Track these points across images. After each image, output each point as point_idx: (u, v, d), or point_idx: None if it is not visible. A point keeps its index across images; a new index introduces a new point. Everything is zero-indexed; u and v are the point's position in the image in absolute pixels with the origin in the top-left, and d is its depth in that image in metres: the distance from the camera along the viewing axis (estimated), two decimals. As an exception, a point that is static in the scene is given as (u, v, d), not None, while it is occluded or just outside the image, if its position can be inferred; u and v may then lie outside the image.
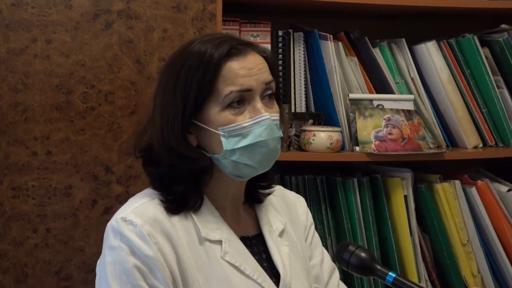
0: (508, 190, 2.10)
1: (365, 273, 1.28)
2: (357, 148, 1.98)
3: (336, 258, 1.33)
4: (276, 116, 1.28)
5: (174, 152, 1.27)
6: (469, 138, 2.11)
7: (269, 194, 1.42)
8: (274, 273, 1.33)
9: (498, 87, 2.13)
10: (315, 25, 2.07)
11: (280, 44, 2.03)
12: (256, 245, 1.36)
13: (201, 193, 1.31)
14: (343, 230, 1.99)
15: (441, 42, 2.11)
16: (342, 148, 2.01)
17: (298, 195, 1.53)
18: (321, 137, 1.95)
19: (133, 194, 1.34)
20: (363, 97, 2.03)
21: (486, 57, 2.12)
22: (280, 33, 2.03)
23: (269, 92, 1.29)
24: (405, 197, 2.03)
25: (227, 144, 1.25)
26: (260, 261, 1.33)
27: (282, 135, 1.30)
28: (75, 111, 2.06)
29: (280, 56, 2.03)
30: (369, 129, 1.98)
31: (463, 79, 2.10)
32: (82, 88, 2.06)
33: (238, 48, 1.26)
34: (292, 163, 1.98)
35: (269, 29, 2.02)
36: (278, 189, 1.50)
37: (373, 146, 1.97)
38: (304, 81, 2.07)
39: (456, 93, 2.09)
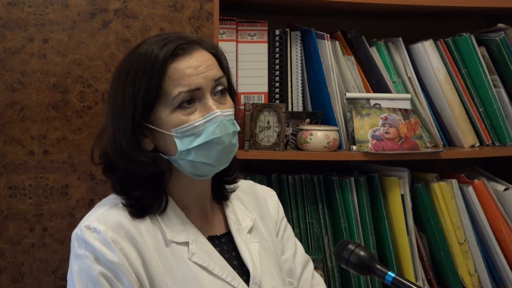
0: (505, 189, 2.11)
1: (364, 272, 1.28)
2: (354, 147, 1.98)
3: (336, 256, 1.33)
4: (229, 111, 1.28)
5: (127, 157, 1.26)
6: (466, 137, 2.11)
7: (233, 190, 1.42)
8: (244, 271, 1.33)
9: (495, 86, 2.13)
10: (312, 24, 2.07)
11: (277, 43, 2.03)
12: (225, 243, 1.36)
13: (165, 195, 1.31)
14: (340, 229, 1.99)
15: (438, 41, 2.11)
16: (339, 147, 2.01)
17: (269, 189, 1.53)
18: (318, 136, 1.95)
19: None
20: (360, 96, 2.03)
21: (483, 56, 2.12)
22: (277, 32, 2.03)
23: (220, 88, 1.28)
24: (402, 196, 2.03)
25: (181, 144, 1.25)
26: (229, 259, 1.33)
27: (237, 129, 1.29)
28: (72, 110, 2.06)
29: (277, 55, 2.03)
30: (366, 128, 1.98)
31: (460, 78, 2.10)
32: (79, 87, 2.06)
33: (184, 47, 1.25)
34: (289, 162, 1.98)
35: (266, 28, 2.02)
36: (248, 184, 1.50)
37: (370, 145, 1.97)
38: (301, 80, 2.07)
39: (453, 92, 2.09)
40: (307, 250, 1.99)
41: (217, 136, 1.25)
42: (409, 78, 2.11)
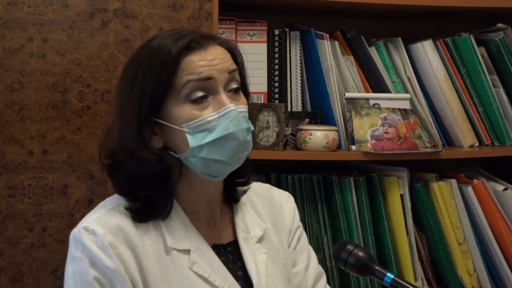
0: (504, 189, 2.11)
1: (363, 273, 1.26)
2: (354, 147, 1.98)
3: (334, 257, 1.31)
4: (243, 108, 1.23)
5: (133, 155, 1.21)
6: (465, 137, 2.11)
7: (244, 192, 1.36)
8: (248, 283, 1.27)
9: (494, 86, 2.13)
10: (311, 24, 2.07)
11: (277, 43, 2.03)
12: (231, 253, 1.30)
13: (171, 198, 1.25)
14: (339, 229, 1.99)
15: (437, 41, 2.11)
16: (339, 147, 2.01)
17: (286, 194, 1.46)
18: (318, 136, 1.95)
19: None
20: (359, 96, 2.03)
21: (482, 56, 2.12)
22: (277, 32, 2.03)
23: (234, 86, 1.23)
24: (401, 196, 2.03)
25: (193, 140, 1.19)
26: (234, 270, 1.27)
27: (251, 127, 1.23)
28: (71, 110, 2.06)
29: (277, 55, 2.03)
30: (366, 128, 1.98)
31: (459, 78, 2.10)
32: (78, 87, 2.06)
33: (198, 41, 1.21)
34: (288, 162, 1.98)
35: (266, 28, 2.02)
36: (264, 189, 1.44)
37: (369, 145, 1.97)
38: (301, 80, 2.07)
39: (452, 92, 2.09)
40: (307, 250, 1.99)
41: (231, 131, 1.19)
42: (408, 78, 2.11)
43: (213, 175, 1.24)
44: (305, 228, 1.99)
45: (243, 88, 1.28)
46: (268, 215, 1.39)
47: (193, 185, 1.27)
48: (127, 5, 2.07)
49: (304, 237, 1.46)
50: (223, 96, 1.20)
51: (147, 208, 1.24)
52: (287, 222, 1.42)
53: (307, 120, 2.03)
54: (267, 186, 1.46)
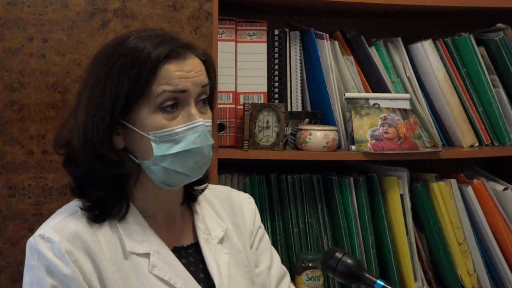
0: (504, 189, 2.11)
1: (352, 280, 1.25)
2: (353, 147, 1.98)
3: (322, 265, 1.29)
4: (209, 122, 1.23)
5: (95, 153, 1.20)
6: (465, 137, 2.11)
7: (202, 190, 1.35)
8: (210, 285, 1.27)
9: (494, 86, 2.13)
10: (311, 24, 2.07)
11: (276, 43, 2.03)
12: (192, 255, 1.30)
13: (127, 201, 1.24)
14: (339, 229, 1.99)
15: (437, 41, 2.11)
16: (338, 147, 2.01)
17: (246, 196, 1.47)
18: (317, 136, 1.95)
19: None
20: (359, 96, 2.03)
21: (482, 56, 2.12)
22: (276, 32, 2.03)
23: (203, 96, 1.23)
24: (401, 196, 2.03)
25: (158, 150, 1.19)
26: (195, 272, 1.27)
27: (213, 142, 1.24)
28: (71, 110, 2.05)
29: (276, 55, 2.03)
30: (365, 128, 1.98)
31: (459, 78, 2.10)
32: (78, 87, 2.06)
33: (178, 51, 1.20)
34: (288, 162, 1.98)
35: (265, 28, 2.02)
36: (224, 191, 1.44)
37: (369, 145, 1.97)
38: (300, 80, 2.07)
39: (452, 92, 2.09)
40: (306, 250, 1.99)
41: (198, 146, 1.20)
42: (408, 78, 2.11)
43: (170, 185, 1.24)
44: (305, 228, 2.00)
45: (210, 101, 1.28)
46: (229, 216, 1.39)
47: (149, 190, 1.26)
48: (127, 5, 2.07)
49: (266, 237, 1.45)
50: (193, 110, 1.21)
51: (100, 208, 1.22)
52: (248, 223, 1.41)
53: (307, 120, 2.03)
54: (227, 188, 1.47)
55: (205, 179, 1.35)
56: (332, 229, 2.02)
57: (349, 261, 1.25)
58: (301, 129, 1.98)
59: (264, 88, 2.02)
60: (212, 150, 1.25)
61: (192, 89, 1.21)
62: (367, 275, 1.23)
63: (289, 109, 2.04)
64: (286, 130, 2.00)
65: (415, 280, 2.03)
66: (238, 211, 1.41)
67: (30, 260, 1.20)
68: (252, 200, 1.46)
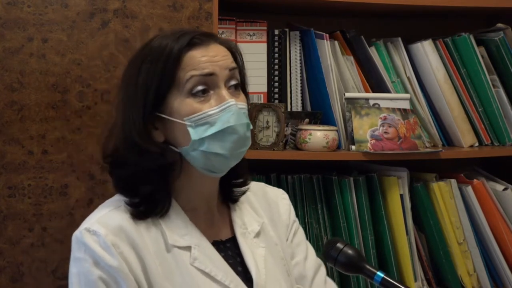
0: (504, 189, 2.11)
1: (353, 271, 1.26)
2: (353, 147, 1.98)
3: (324, 255, 1.31)
4: (242, 105, 1.26)
5: (137, 149, 1.24)
6: (465, 137, 2.11)
7: (243, 193, 1.39)
8: (248, 278, 1.29)
9: (494, 86, 2.13)
10: (311, 24, 2.07)
11: (276, 43, 2.03)
12: (230, 248, 1.32)
13: (169, 198, 1.27)
14: (339, 229, 1.99)
15: (437, 41, 2.11)
16: (338, 147, 2.01)
17: (281, 191, 1.50)
18: (317, 136, 1.95)
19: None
20: (359, 96, 2.03)
21: (482, 56, 2.12)
22: (276, 32, 2.03)
23: (234, 82, 1.26)
24: (401, 196, 2.03)
25: (195, 133, 1.22)
26: (234, 265, 1.30)
27: (250, 124, 1.27)
28: (71, 110, 2.06)
29: (276, 55, 2.03)
30: (365, 128, 1.98)
31: (459, 78, 2.10)
32: (78, 87, 2.06)
33: (200, 38, 1.25)
34: (288, 162, 1.98)
35: (265, 28, 2.02)
36: (260, 187, 1.47)
37: (369, 145, 1.97)
38: (300, 80, 2.07)
39: (452, 92, 2.09)
40: (306, 250, 1.99)
41: (232, 124, 1.22)
42: (408, 78, 2.11)
43: (212, 171, 1.27)
44: (305, 228, 2.00)
45: (243, 87, 1.32)
46: (265, 211, 1.42)
47: (192, 182, 1.29)
48: (127, 5, 2.07)
49: (301, 231, 1.49)
50: (224, 91, 1.24)
51: (147, 204, 1.25)
52: (283, 217, 1.45)
53: (307, 120, 2.03)
54: (261, 184, 1.50)
55: (245, 181, 1.39)
56: (332, 229, 2.02)
57: (350, 252, 1.26)
58: (301, 129, 1.98)
59: (264, 88, 2.02)
60: (250, 133, 1.27)
61: (220, 72, 1.24)
62: (368, 266, 1.24)
63: (289, 109, 2.04)
64: (286, 130, 2.00)
65: (415, 280, 2.03)
66: (273, 206, 1.45)
67: (76, 253, 1.22)
68: (286, 196, 1.50)
